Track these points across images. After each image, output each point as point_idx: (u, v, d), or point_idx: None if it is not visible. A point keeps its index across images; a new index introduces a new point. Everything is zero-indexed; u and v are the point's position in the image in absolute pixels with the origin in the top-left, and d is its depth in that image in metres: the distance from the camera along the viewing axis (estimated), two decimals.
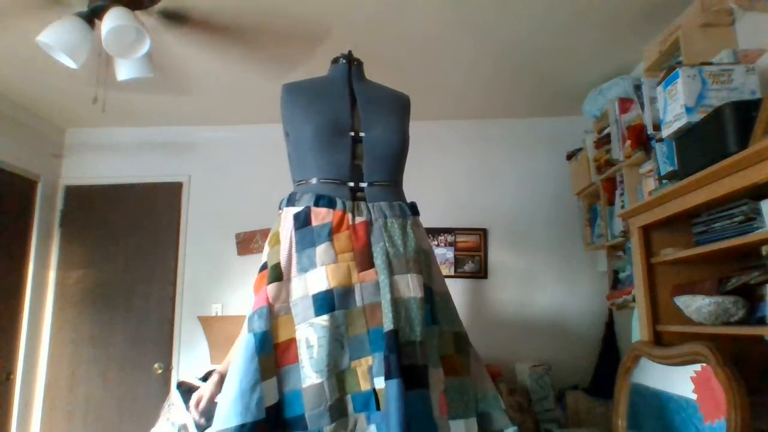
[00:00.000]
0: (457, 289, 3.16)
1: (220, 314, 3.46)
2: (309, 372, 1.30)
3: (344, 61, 1.63)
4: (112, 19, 1.89)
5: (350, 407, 1.31)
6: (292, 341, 1.33)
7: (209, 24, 2.35)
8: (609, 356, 3.01)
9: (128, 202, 3.67)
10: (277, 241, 1.43)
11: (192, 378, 1.91)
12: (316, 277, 1.36)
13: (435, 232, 3.45)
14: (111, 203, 3.67)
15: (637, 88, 2.50)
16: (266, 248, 1.45)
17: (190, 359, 3.41)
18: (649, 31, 2.42)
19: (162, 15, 2.23)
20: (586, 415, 2.87)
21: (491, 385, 1.49)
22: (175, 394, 1.84)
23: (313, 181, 1.48)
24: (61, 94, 3.14)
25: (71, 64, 2.05)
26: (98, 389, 3.43)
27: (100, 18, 1.99)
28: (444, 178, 3.53)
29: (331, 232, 1.40)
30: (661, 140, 2.12)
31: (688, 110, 1.79)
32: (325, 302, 1.34)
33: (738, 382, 1.52)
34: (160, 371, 3.42)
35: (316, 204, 1.43)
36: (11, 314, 3.28)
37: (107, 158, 3.71)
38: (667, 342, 2.01)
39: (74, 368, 3.46)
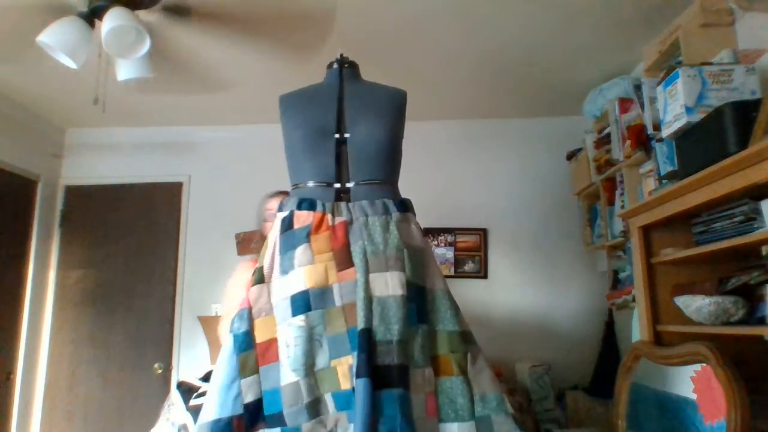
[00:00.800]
0: (457, 289, 3.15)
1: (220, 314, 3.46)
2: (287, 371, 1.33)
3: (336, 65, 1.64)
4: (112, 19, 1.89)
5: (331, 406, 1.33)
6: (273, 341, 1.37)
7: (213, 15, 2.31)
8: (609, 356, 3.01)
9: (128, 202, 3.67)
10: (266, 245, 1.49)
11: (192, 378, 1.91)
12: (294, 279, 1.40)
13: (435, 232, 3.45)
14: (111, 203, 3.67)
15: (637, 88, 2.50)
16: (262, 252, 1.50)
17: (190, 359, 3.41)
18: (649, 31, 2.42)
19: (165, 10, 2.22)
20: (586, 415, 2.87)
21: (492, 384, 1.42)
22: (175, 394, 1.84)
23: (310, 184, 1.51)
24: (61, 94, 3.13)
25: (71, 64, 2.05)
26: (98, 389, 3.43)
27: (100, 18, 1.99)
28: (444, 178, 3.53)
29: (309, 233, 1.43)
30: (661, 140, 2.12)
31: (688, 110, 1.80)
32: (301, 303, 1.37)
33: (738, 382, 1.53)
34: (160, 371, 3.42)
35: (299, 207, 1.46)
36: (11, 314, 3.28)
37: (107, 158, 3.71)
38: (667, 342, 2.01)
39: (74, 368, 3.46)
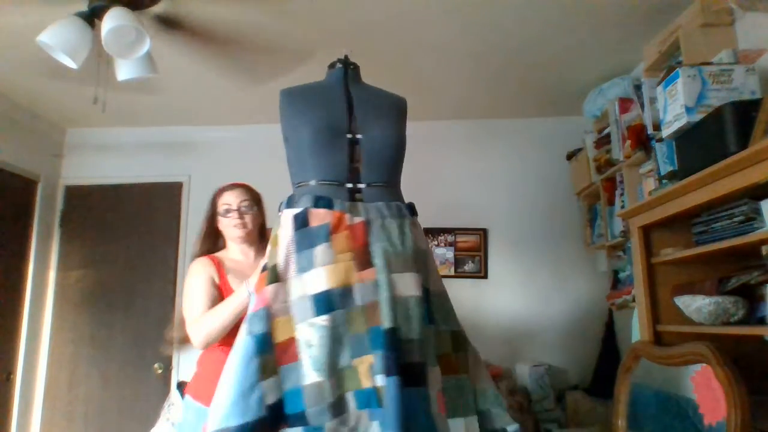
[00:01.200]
0: (457, 289, 3.16)
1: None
2: (309, 371, 1.32)
3: (340, 66, 1.65)
4: (112, 19, 1.89)
5: (352, 405, 1.33)
6: (292, 341, 1.35)
7: (202, 33, 2.38)
8: (609, 356, 3.01)
9: (128, 202, 3.67)
10: (277, 243, 1.45)
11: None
12: (315, 278, 1.38)
13: (435, 232, 3.45)
14: (111, 203, 3.67)
15: (637, 88, 2.50)
16: (268, 249, 1.47)
17: (190, 359, 3.40)
18: (649, 31, 2.41)
19: (157, 19, 2.24)
20: (586, 415, 2.87)
21: (491, 383, 1.50)
22: (175, 394, 1.84)
23: (312, 183, 1.50)
24: (61, 94, 3.13)
25: (71, 64, 2.05)
26: (98, 389, 3.43)
27: (100, 18, 1.99)
28: (444, 178, 3.53)
29: (329, 233, 1.41)
30: (661, 140, 2.12)
31: (688, 110, 1.80)
32: (324, 302, 1.35)
33: (738, 382, 1.53)
34: (160, 371, 3.42)
35: (315, 205, 1.44)
36: (11, 314, 3.28)
37: (107, 158, 3.71)
38: (667, 342, 2.01)
39: (74, 368, 3.46)
